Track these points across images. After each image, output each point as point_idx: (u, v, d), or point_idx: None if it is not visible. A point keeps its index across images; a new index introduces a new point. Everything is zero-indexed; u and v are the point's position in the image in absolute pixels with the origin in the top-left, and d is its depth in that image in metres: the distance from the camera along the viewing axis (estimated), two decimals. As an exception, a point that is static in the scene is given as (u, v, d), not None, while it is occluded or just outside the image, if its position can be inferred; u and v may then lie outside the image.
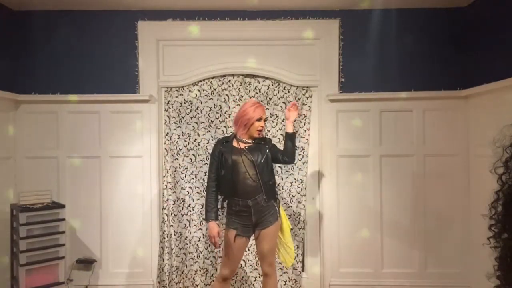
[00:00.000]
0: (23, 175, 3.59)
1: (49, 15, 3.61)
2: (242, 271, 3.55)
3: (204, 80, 3.63)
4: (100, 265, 3.62)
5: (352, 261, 3.62)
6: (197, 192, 3.58)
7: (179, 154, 3.59)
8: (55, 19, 3.62)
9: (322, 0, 3.46)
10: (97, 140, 3.64)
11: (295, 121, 2.86)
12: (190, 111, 3.62)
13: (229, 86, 3.62)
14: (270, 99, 3.61)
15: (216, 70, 3.62)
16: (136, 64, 3.63)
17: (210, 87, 3.62)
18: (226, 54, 3.63)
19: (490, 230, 1.00)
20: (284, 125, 3.58)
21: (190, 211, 3.57)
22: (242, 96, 3.60)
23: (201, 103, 3.61)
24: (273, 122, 3.58)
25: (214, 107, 3.60)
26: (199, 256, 3.55)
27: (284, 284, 3.53)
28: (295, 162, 2.90)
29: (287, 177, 3.56)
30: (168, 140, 3.58)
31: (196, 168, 3.59)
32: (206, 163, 3.55)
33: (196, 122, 3.61)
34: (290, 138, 2.74)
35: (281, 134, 3.57)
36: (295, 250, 3.48)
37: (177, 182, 3.58)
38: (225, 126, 3.59)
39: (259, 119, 2.71)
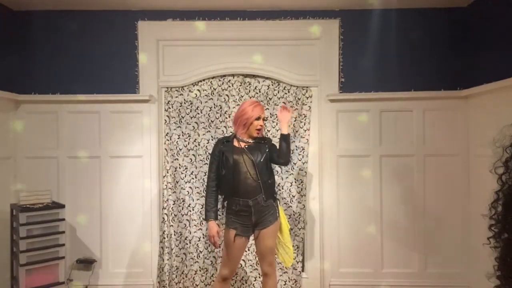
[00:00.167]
0: (23, 175, 3.59)
1: (49, 15, 3.61)
2: (242, 271, 3.55)
3: (204, 80, 3.63)
4: (100, 265, 3.62)
5: (352, 261, 3.62)
6: (197, 192, 3.58)
7: (179, 154, 3.59)
8: (55, 19, 3.62)
9: (322, 0, 3.46)
10: (97, 140, 3.64)
11: (291, 122, 2.86)
12: (190, 111, 3.62)
13: (229, 86, 3.62)
14: (270, 99, 3.61)
15: (216, 70, 3.62)
16: (136, 64, 3.63)
17: (210, 87, 3.62)
18: (226, 54, 3.63)
19: (490, 230, 1.00)
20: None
21: (190, 211, 3.57)
22: (242, 96, 3.60)
23: (201, 103, 3.61)
24: (273, 122, 3.58)
25: (214, 107, 3.60)
26: (199, 256, 3.55)
27: (284, 284, 3.53)
28: (289, 164, 2.90)
29: (287, 177, 3.56)
30: (168, 140, 3.58)
31: (196, 168, 3.59)
32: (206, 163, 3.55)
33: (196, 122, 3.61)
34: (284, 139, 2.74)
35: (281, 134, 3.57)
36: (294, 250, 3.50)
37: (177, 182, 3.58)
38: (225, 126, 3.59)
39: (258, 118, 2.72)
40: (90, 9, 3.59)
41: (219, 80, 3.63)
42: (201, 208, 3.56)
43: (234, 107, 3.57)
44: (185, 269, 3.56)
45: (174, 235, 3.54)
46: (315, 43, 3.65)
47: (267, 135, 3.46)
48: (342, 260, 3.62)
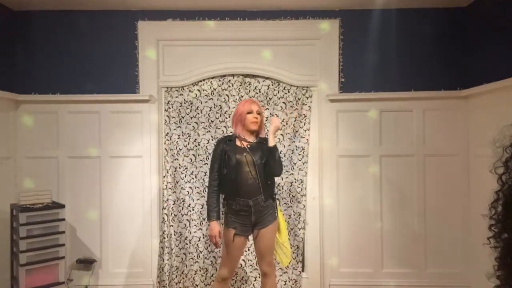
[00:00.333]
0: (23, 175, 3.59)
1: (49, 15, 3.61)
2: (242, 271, 3.55)
3: (204, 80, 3.63)
4: (100, 265, 3.62)
5: (352, 261, 3.62)
6: (197, 192, 3.58)
7: (179, 154, 3.59)
8: (55, 19, 3.62)
9: (322, 0, 3.46)
10: (97, 140, 3.64)
11: (281, 129, 2.80)
12: (190, 111, 3.62)
13: (229, 86, 3.62)
14: (270, 99, 3.61)
15: (216, 70, 3.62)
16: (136, 64, 3.63)
17: (210, 87, 3.62)
18: (226, 54, 3.63)
19: (490, 230, 0.99)
20: (283, 125, 3.58)
21: (190, 211, 3.57)
22: (242, 96, 3.60)
23: (201, 103, 3.61)
24: (273, 122, 3.58)
25: (214, 107, 3.60)
26: (199, 256, 3.55)
27: (284, 284, 3.53)
28: (281, 174, 2.88)
29: (287, 177, 3.56)
30: (168, 140, 3.58)
31: (196, 168, 3.59)
32: (206, 163, 3.55)
33: (196, 122, 3.61)
34: (270, 151, 2.68)
35: (281, 134, 3.57)
36: (294, 250, 3.51)
37: (177, 182, 3.58)
38: (225, 126, 3.59)
39: (250, 112, 2.72)
40: (90, 9, 3.59)
41: (219, 80, 3.63)
42: (201, 208, 3.56)
43: (234, 107, 3.57)
44: (185, 269, 3.56)
45: (174, 235, 3.54)
46: (315, 43, 3.65)
47: (266, 135, 3.45)
48: (342, 260, 3.62)
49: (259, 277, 3.46)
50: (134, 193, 3.63)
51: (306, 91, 3.61)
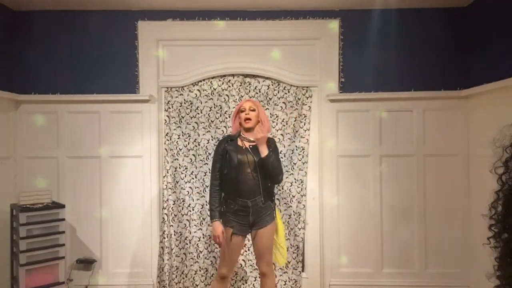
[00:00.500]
0: (23, 175, 3.59)
1: (49, 15, 3.61)
2: (242, 271, 3.55)
3: (204, 80, 3.63)
4: (100, 265, 3.62)
5: (352, 261, 3.61)
6: (197, 192, 3.58)
7: (179, 154, 3.59)
8: (55, 19, 3.62)
9: (322, 0, 3.46)
10: (97, 140, 3.64)
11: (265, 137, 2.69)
12: (190, 111, 3.62)
13: (229, 86, 3.62)
14: (270, 99, 3.61)
15: (216, 70, 3.62)
16: (136, 64, 3.63)
17: (210, 87, 3.62)
18: (226, 54, 3.63)
19: (490, 230, 0.99)
20: (283, 125, 3.59)
21: (190, 211, 3.57)
22: (242, 96, 3.60)
23: (201, 103, 3.61)
24: (273, 122, 3.58)
25: (214, 107, 3.60)
26: (199, 256, 3.55)
27: (284, 284, 3.53)
28: (281, 182, 2.88)
29: (287, 177, 3.56)
30: (168, 140, 3.58)
31: (196, 168, 3.59)
32: (206, 163, 3.55)
33: (196, 122, 3.61)
34: (264, 162, 2.63)
35: (281, 134, 3.57)
36: (295, 250, 3.51)
37: (177, 182, 3.58)
38: (225, 126, 3.59)
39: (243, 110, 2.73)
40: (90, 9, 3.59)
41: (219, 80, 3.63)
42: (201, 208, 3.57)
43: (234, 107, 3.57)
44: (185, 269, 3.56)
45: (174, 235, 3.54)
46: (315, 43, 3.65)
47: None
48: (342, 260, 3.62)
49: (259, 277, 3.46)
50: (134, 193, 3.63)
51: (306, 91, 3.61)
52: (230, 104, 3.60)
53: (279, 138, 3.55)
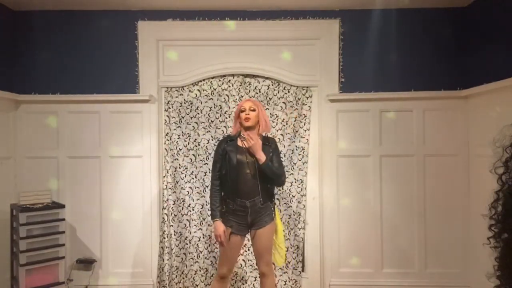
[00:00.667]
0: (23, 175, 3.59)
1: (49, 15, 3.61)
2: (242, 271, 3.55)
3: (204, 80, 3.63)
4: (100, 265, 3.62)
5: (352, 261, 3.62)
6: (197, 192, 3.58)
7: (179, 154, 3.59)
8: (55, 19, 3.62)
9: (322, 0, 3.46)
10: (97, 140, 3.64)
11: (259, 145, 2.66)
12: (190, 111, 3.62)
13: (229, 86, 3.62)
14: (270, 99, 3.61)
15: (216, 70, 3.62)
16: (136, 64, 3.63)
17: (210, 87, 3.62)
18: (226, 54, 3.63)
19: (490, 230, 0.99)
20: (283, 125, 3.59)
21: (190, 211, 3.57)
22: (242, 96, 3.60)
23: (201, 103, 3.61)
24: (273, 122, 3.58)
25: (214, 107, 3.60)
26: (199, 256, 3.55)
27: (284, 284, 3.53)
28: (283, 185, 2.89)
29: (287, 177, 3.56)
30: (168, 140, 3.58)
31: (196, 168, 3.59)
32: (206, 163, 3.55)
33: (196, 122, 3.61)
34: (264, 167, 2.62)
35: (281, 134, 3.58)
36: (295, 250, 3.51)
37: (177, 182, 3.58)
38: (225, 126, 3.59)
39: (243, 110, 2.73)
40: (90, 9, 3.59)
41: (219, 80, 3.63)
42: (201, 208, 3.57)
43: (234, 107, 3.57)
44: (185, 269, 3.56)
45: (174, 235, 3.54)
46: (315, 43, 3.65)
47: (266, 135, 3.45)
48: (342, 260, 3.62)
49: (259, 277, 3.46)
50: (134, 193, 3.63)
51: (306, 91, 3.61)
52: (230, 104, 3.60)
53: (279, 138, 3.55)
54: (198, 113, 3.61)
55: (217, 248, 3.52)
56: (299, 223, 3.55)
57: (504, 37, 3.01)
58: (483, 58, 3.31)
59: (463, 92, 3.51)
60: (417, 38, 3.61)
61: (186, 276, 3.56)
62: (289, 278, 3.54)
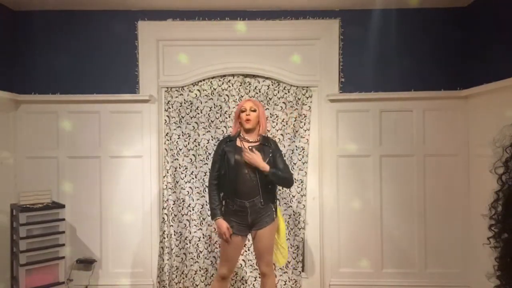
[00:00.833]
0: (23, 175, 3.59)
1: (49, 15, 3.61)
2: (242, 271, 3.55)
3: (204, 80, 3.63)
4: (100, 265, 3.62)
5: (352, 261, 3.62)
6: (197, 192, 3.58)
7: (179, 154, 3.59)
8: (55, 19, 3.62)
9: (322, 0, 3.46)
10: (97, 140, 3.64)
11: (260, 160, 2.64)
12: (190, 111, 3.62)
13: (229, 86, 3.62)
14: (270, 99, 3.61)
15: (216, 70, 3.62)
16: (136, 64, 3.63)
17: (210, 87, 3.62)
18: (226, 54, 3.63)
19: (490, 230, 0.99)
20: (283, 125, 3.59)
21: (190, 211, 3.57)
22: (242, 96, 3.60)
23: (201, 103, 3.61)
24: (273, 122, 3.58)
25: (214, 107, 3.60)
26: (199, 256, 3.55)
27: (284, 284, 3.53)
28: (292, 184, 2.90)
29: (287, 177, 3.56)
30: (168, 140, 3.58)
31: (196, 168, 3.59)
32: (206, 163, 3.55)
33: (196, 122, 3.61)
34: (269, 176, 2.63)
35: (281, 134, 3.58)
36: (295, 250, 3.51)
37: (177, 182, 3.58)
38: (225, 126, 3.59)
39: (244, 110, 2.73)
40: (90, 9, 3.59)
41: (219, 80, 3.63)
42: (201, 208, 3.57)
43: (234, 107, 3.57)
44: (185, 269, 3.56)
45: (174, 235, 3.54)
46: (315, 43, 3.65)
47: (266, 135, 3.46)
48: (342, 260, 3.62)
49: (259, 277, 3.46)
50: (134, 193, 3.63)
51: (306, 91, 3.61)
52: (230, 104, 3.60)
53: (279, 138, 3.55)
54: (198, 113, 3.61)
55: (217, 248, 3.52)
56: (299, 223, 3.55)
57: (504, 37, 3.00)
58: (483, 58, 3.31)
59: (463, 92, 3.51)
60: (417, 38, 3.61)
61: (186, 276, 3.56)
62: (289, 278, 3.54)
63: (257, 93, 3.62)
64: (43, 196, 3.34)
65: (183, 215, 3.58)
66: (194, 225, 3.56)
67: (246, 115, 2.71)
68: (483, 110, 3.31)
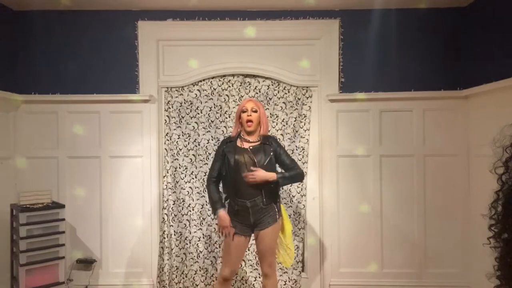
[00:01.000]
0: (23, 175, 3.59)
1: (49, 15, 3.61)
2: (242, 271, 3.55)
3: (204, 80, 3.63)
4: (100, 265, 3.62)
5: (352, 261, 3.62)
6: (197, 192, 3.58)
7: (179, 154, 3.59)
8: (55, 19, 3.62)
9: (322, 0, 3.46)
10: (97, 140, 3.64)
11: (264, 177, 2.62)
12: (190, 111, 3.62)
13: (229, 86, 3.62)
14: (270, 99, 3.61)
15: (216, 70, 3.62)
16: (136, 64, 3.63)
17: (210, 87, 3.63)
18: (226, 54, 3.63)
19: (490, 230, 0.99)
20: (283, 125, 3.59)
21: (190, 211, 3.57)
22: (242, 96, 3.60)
23: (201, 103, 3.61)
24: (273, 122, 3.58)
25: (214, 107, 3.60)
26: (199, 256, 3.55)
27: (284, 284, 3.53)
28: (304, 178, 2.92)
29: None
30: (168, 140, 3.58)
31: (196, 168, 3.59)
32: (206, 163, 3.55)
33: (196, 122, 3.61)
34: (280, 182, 2.68)
35: (281, 134, 3.57)
36: (294, 250, 3.50)
37: (177, 182, 3.58)
38: (225, 126, 3.59)
39: (245, 110, 2.71)
40: (90, 9, 3.59)
41: (219, 80, 3.63)
42: (201, 208, 3.56)
43: (234, 107, 3.57)
44: (185, 269, 3.56)
45: (174, 235, 3.54)
46: (315, 43, 3.65)
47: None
48: (342, 260, 3.62)
49: (259, 277, 3.46)
50: (134, 193, 3.63)
51: (306, 91, 3.61)
52: (230, 104, 3.60)
53: (279, 138, 3.55)
54: (198, 113, 3.61)
55: (217, 248, 3.52)
56: (299, 223, 3.55)
57: (504, 37, 3.00)
58: (483, 58, 3.31)
59: (463, 92, 3.50)
60: (417, 38, 3.61)
61: (186, 276, 3.56)
62: (289, 278, 3.54)
63: (257, 93, 3.62)
64: (43, 196, 3.34)
65: (183, 215, 3.58)
66: (194, 225, 3.56)
67: (248, 115, 2.70)
68: (483, 110, 3.31)
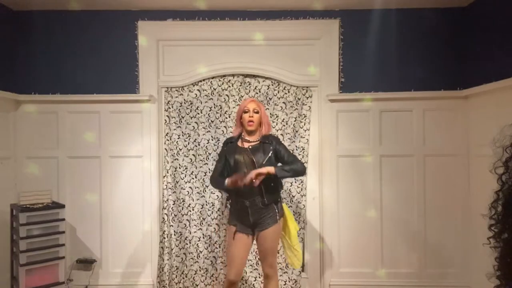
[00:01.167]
0: (23, 175, 3.59)
1: (49, 15, 3.61)
2: (242, 271, 3.54)
3: (204, 80, 3.63)
4: (100, 265, 3.62)
5: (352, 261, 3.62)
6: (197, 192, 3.58)
7: (179, 154, 3.59)
8: (55, 19, 3.62)
9: (322, 0, 3.46)
10: (97, 140, 3.64)
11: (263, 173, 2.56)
12: (190, 111, 3.62)
13: (229, 86, 3.62)
14: (270, 99, 3.61)
15: (216, 70, 3.62)
16: (136, 64, 3.63)
17: (210, 87, 3.63)
18: (226, 54, 3.63)
19: (490, 230, 0.99)
20: (283, 125, 3.59)
21: (190, 211, 3.57)
22: (242, 96, 3.60)
23: (201, 103, 3.61)
24: (273, 122, 3.58)
25: (214, 107, 3.60)
26: (199, 256, 3.55)
27: (284, 284, 3.53)
28: (305, 172, 2.86)
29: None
30: (168, 140, 3.58)
31: (196, 168, 3.59)
32: (206, 163, 3.55)
33: (196, 122, 3.61)
34: (278, 175, 2.60)
35: (281, 134, 3.57)
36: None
37: (177, 182, 3.58)
38: (225, 126, 3.59)
39: (247, 111, 2.71)
40: (90, 9, 3.59)
41: (219, 80, 3.63)
42: (201, 208, 3.57)
43: (234, 107, 3.57)
44: (185, 269, 3.56)
45: (174, 235, 3.54)
46: (315, 43, 3.65)
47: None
48: (342, 260, 3.62)
49: (259, 277, 3.47)
50: (134, 193, 3.63)
51: (306, 91, 3.61)
52: (230, 104, 3.60)
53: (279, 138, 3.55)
54: (198, 113, 3.61)
55: (217, 248, 3.53)
56: (299, 223, 3.55)
57: (504, 37, 3.00)
58: (483, 58, 3.31)
59: (463, 92, 3.50)
60: (417, 38, 3.60)
61: (186, 276, 3.56)
62: (289, 278, 3.54)
63: (257, 93, 3.62)
64: (43, 196, 3.34)
65: (183, 215, 3.58)
66: (194, 225, 3.56)
67: (249, 116, 2.70)
68: (483, 110, 3.31)
